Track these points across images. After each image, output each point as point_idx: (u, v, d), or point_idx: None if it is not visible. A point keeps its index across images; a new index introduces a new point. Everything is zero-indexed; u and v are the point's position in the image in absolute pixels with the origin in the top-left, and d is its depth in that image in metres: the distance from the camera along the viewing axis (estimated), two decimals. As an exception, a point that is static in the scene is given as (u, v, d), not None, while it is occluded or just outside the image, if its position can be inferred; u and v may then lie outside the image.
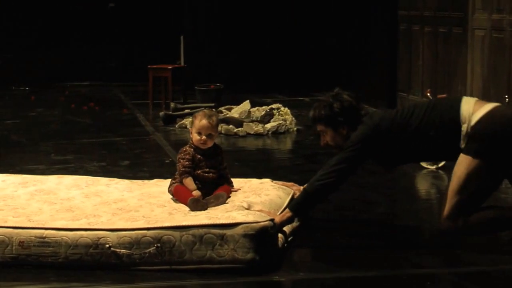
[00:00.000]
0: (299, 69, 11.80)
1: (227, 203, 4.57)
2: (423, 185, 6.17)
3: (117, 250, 4.16)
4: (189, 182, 4.64)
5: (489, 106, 4.40)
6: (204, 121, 4.70)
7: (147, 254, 4.14)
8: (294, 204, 4.50)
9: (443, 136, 4.41)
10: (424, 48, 8.86)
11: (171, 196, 4.74)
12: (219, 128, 7.26)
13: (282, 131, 8.28)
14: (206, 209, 4.45)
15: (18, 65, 12.66)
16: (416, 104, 4.62)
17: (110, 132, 8.56)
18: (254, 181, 5.14)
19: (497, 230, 4.58)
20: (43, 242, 4.22)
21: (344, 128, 4.52)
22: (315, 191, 4.45)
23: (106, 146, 7.69)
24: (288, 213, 4.43)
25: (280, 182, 5.17)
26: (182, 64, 11.47)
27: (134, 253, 4.15)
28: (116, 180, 5.31)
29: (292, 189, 5.03)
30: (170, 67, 10.67)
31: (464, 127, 4.36)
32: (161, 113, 9.06)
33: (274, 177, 6.24)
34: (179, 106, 9.44)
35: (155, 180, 5.32)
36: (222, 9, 12.47)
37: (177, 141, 7.89)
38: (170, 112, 9.10)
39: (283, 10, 12.29)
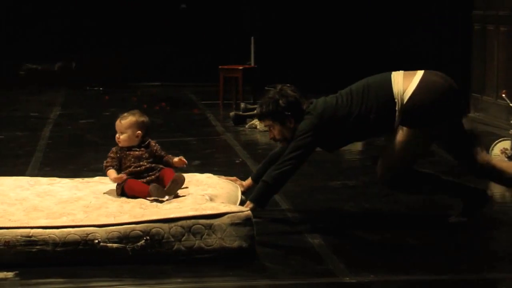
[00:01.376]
0: (369, 70, 11.70)
1: (185, 195, 4.72)
2: (496, 188, 6.03)
3: (108, 245, 4.21)
4: (110, 172, 4.88)
5: (417, 79, 4.75)
6: (117, 121, 5.02)
7: (139, 247, 4.21)
8: (255, 196, 4.75)
9: (382, 116, 4.75)
10: (499, 48, 8.69)
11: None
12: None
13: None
14: (170, 194, 4.69)
15: (93, 66, 12.85)
16: (352, 89, 4.89)
17: (181, 132, 8.63)
18: (200, 175, 5.34)
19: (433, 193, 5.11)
20: (29, 241, 4.20)
21: (291, 121, 4.83)
22: (274, 181, 4.73)
23: (177, 145, 7.73)
24: (250, 205, 4.65)
25: (224, 177, 5.35)
26: (253, 64, 11.48)
27: (127, 246, 4.21)
28: (57, 179, 5.36)
29: (236, 183, 5.23)
30: (240, 67, 10.70)
31: (399, 105, 4.72)
32: (232, 113, 9.09)
33: (344, 178, 6.22)
34: (249, 106, 9.44)
35: (97, 178, 5.38)
36: (293, 10, 12.45)
37: (247, 141, 7.91)
38: (240, 113, 9.12)
39: (351, 10, 12.22)
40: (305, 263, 4.22)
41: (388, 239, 4.66)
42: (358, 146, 7.84)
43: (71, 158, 7.16)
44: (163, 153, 5.05)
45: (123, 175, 4.83)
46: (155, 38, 12.94)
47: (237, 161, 7.00)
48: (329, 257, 4.30)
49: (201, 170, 6.45)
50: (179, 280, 3.99)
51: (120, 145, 4.99)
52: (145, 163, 4.93)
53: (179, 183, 4.74)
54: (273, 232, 4.80)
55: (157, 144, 5.07)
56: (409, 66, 5.08)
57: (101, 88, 12.46)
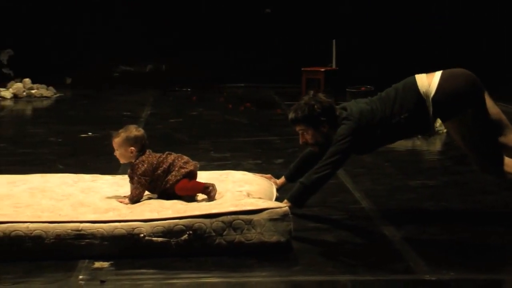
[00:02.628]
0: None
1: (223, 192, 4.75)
2: None
3: (153, 239, 4.24)
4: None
5: (438, 74, 4.81)
6: (112, 139, 4.86)
7: (182, 241, 4.24)
8: (293, 196, 4.77)
9: (414, 116, 4.77)
10: None
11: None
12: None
13: (432, 132, 8.11)
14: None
15: (182, 67, 13.01)
16: (382, 95, 4.91)
17: (265, 131, 8.65)
18: (235, 172, 5.41)
19: None
20: (79, 235, 4.25)
21: (325, 126, 4.83)
22: (312, 184, 4.74)
23: (261, 144, 7.77)
24: (287, 204, 4.61)
25: (259, 174, 5.39)
26: (334, 66, 11.44)
27: (171, 240, 4.24)
28: (99, 176, 5.41)
29: (270, 181, 5.29)
30: (322, 69, 10.67)
31: (428, 100, 4.74)
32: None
33: (424, 177, 6.14)
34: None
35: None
36: (374, 12, 12.36)
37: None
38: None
39: (433, 12, 12.06)
40: (385, 260, 4.18)
41: (468, 238, 4.58)
42: (437, 146, 7.75)
43: (161, 156, 7.24)
44: (136, 174, 4.79)
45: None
46: (241, 41, 13.02)
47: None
48: (408, 254, 4.25)
49: (284, 168, 6.46)
50: (264, 274, 4.00)
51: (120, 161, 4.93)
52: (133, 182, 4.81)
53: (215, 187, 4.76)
54: (354, 229, 4.78)
55: (139, 166, 4.78)
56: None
57: (188, 89, 12.59)
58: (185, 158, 4.90)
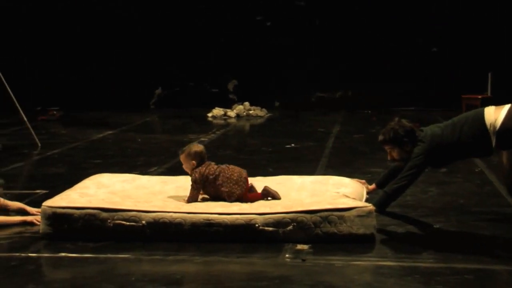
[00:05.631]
0: None
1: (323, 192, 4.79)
2: None
3: (265, 228, 4.27)
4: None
5: (505, 110, 4.64)
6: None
7: (287, 231, 4.27)
8: (378, 201, 4.79)
9: (478, 143, 4.68)
10: None
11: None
12: None
13: None
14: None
15: (364, 93, 12.93)
16: (454, 121, 4.84)
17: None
18: (335, 177, 5.37)
19: None
20: (209, 224, 4.33)
21: (407, 146, 4.83)
22: (393, 192, 4.78)
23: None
24: (372, 208, 4.55)
25: (355, 179, 5.39)
26: (489, 94, 11.00)
27: (279, 230, 4.27)
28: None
29: (363, 185, 5.29)
30: (479, 96, 10.31)
31: (492, 132, 4.62)
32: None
33: None
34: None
35: (260, 178, 5.42)
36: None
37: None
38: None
39: None
40: None
41: None
42: None
43: (348, 164, 7.27)
44: (191, 180, 4.84)
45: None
46: (410, 72, 12.79)
47: (476, 170, 6.78)
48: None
49: (445, 176, 6.34)
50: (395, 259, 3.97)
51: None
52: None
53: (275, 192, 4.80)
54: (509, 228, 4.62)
55: (194, 174, 4.82)
56: None
57: (369, 111, 12.51)
58: (236, 169, 4.82)
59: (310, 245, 4.29)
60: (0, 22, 12.78)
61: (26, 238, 4.57)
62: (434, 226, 4.73)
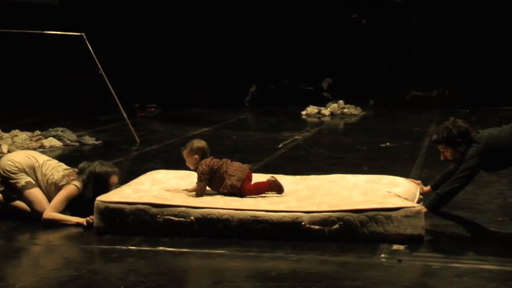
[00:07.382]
0: None
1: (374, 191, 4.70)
2: None
3: (311, 226, 4.21)
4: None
5: None
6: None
7: (333, 230, 4.20)
8: (429, 203, 4.66)
9: None
10: None
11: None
12: None
13: None
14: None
15: (461, 92, 12.60)
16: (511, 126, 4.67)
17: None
18: (390, 177, 5.26)
19: None
20: (255, 220, 4.30)
21: (461, 146, 4.69)
22: (446, 194, 4.63)
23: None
24: (424, 209, 4.51)
25: (409, 179, 5.30)
26: None
27: (325, 228, 4.21)
28: (282, 176, 5.30)
29: (418, 186, 5.16)
30: None
31: None
32: None
33: None
34: None
35: (313, 176, 5.40)
36: None
37: None
38: None
39: None
40: None
41: None
42: None
43: (446, 164, 7.09)
44: (197, 173, 4.89)
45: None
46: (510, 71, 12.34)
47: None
48: None
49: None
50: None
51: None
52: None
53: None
54: None
55: (200, 166, 4.88)
56: None
57: (467, 110, 12.12)
58: (237, 165, 4.87)
59: (406, 246, 4.22)
60: (102, 22, 13.26)
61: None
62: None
